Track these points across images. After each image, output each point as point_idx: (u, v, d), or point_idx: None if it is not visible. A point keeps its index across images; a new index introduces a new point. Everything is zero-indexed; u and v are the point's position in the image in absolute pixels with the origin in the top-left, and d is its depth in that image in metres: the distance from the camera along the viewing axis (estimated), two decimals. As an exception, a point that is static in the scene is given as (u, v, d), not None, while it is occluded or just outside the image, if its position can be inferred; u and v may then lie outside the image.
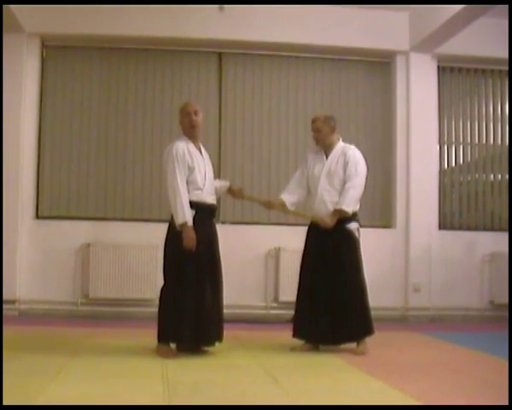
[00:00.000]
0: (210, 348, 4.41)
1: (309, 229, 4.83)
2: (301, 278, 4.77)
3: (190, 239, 4.24)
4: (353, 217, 4.69)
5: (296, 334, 4.72)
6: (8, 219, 6.40)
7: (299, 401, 3.14)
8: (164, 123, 6.98)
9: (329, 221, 4.61)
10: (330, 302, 4.58)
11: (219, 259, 4.51)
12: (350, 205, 4.61)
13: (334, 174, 4.69)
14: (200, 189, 4.37)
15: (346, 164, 4.68)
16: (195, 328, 4.25)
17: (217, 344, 4.41)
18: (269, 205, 4.95)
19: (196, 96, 6.96)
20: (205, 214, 4.41)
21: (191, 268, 4.28)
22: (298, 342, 4.71)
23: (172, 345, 4.38)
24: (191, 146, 4.42)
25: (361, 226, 4.77)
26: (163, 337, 4.32)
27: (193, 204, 4.32)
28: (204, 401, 3.06)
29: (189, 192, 4.31)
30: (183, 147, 4.36)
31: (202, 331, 4.28)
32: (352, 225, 4.68)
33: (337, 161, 4.71)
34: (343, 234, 4.65)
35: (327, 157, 4.77)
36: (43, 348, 4.51)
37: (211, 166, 4.58)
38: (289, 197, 4.84)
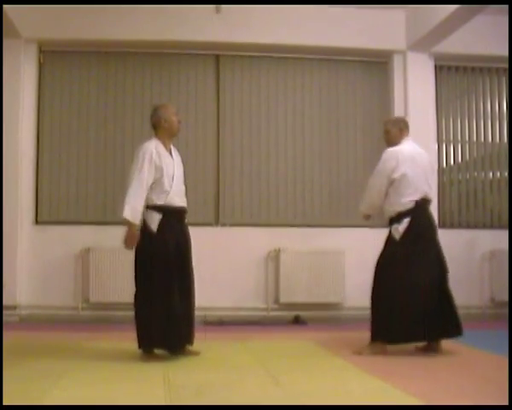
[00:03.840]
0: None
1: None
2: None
3: (131, 237, 4.20)
4: (394, 218, 4.66)
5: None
6: (8, 224, 6.39)
7: (301, 402, 3.14)
8: (162, 126, 6.97)
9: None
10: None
11: (190, 262, 4.42)
12: (361, 205, 4.70)
13: None
14: (167, 191, 4.29)
15: None
16: (164, 332, 4.17)
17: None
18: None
19: (194, 98, 6.98)
20: (172, 218, 4.33)
21: (158, 272, 4.20)
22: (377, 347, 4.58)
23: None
24: (161, 148, 4.36)
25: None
26: (141, 344, 4.25)
27: (159, 208, 4.26)
28: (206, 404, 3.06)
29: (155, 195, 4.26)
30: (152, 148, 4.30)
31: (171, 335, 4.20)
32: (393, 227, 4.67)
33: None
34: (387, 235, 4.73)
35: None
36: (44, 353, 4.51)
37: (181, 169, 4.49)
38: None
